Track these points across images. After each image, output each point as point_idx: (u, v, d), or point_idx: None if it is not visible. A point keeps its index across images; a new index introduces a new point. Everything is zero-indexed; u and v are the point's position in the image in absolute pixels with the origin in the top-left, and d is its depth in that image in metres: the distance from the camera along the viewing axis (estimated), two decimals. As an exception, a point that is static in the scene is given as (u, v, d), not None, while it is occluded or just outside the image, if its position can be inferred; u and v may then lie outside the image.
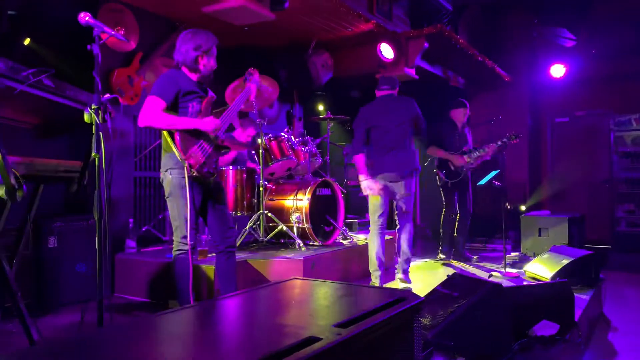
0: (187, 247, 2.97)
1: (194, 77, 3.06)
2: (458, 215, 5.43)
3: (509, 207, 6.32)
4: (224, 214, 3.16)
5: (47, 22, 4.24)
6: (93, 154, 1.83)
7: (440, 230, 5.52)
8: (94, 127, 1.87)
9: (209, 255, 4.05)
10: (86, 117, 1.84)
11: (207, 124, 2.92)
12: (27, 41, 3.86)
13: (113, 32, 2.18)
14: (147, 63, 4.89)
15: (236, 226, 4.80)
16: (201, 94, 3.05)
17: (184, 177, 2.89)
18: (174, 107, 2.93)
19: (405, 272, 4.16)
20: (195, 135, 2.93)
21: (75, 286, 3.78)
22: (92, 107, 1.85)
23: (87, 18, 2.13)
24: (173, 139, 2.89)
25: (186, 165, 2.86)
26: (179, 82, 2.96)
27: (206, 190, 3.07)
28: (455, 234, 5.46)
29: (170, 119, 2.87)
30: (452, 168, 5.31)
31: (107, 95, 2.18)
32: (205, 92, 3.11)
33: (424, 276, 4.80)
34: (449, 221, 5.45)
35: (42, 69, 1.77)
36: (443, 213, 5.48)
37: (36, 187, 2.53)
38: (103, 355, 1.27)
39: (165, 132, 2.93)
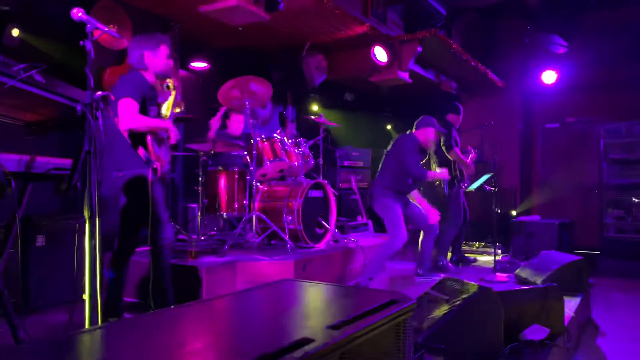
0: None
1: (150, 79, 3.10)
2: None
3: (499, 211, 6.35)
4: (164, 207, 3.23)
5: (40, 18, 4.21)
6: (85, 152, 1.80)
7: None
8: (85, 124, 1.85)
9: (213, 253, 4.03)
10: (77, 114, 1.82)
11: (175, 132, 3.07)
12: (16, 32, 3.81)
13: (106, 29, 2.16)
14: (140, 62, 4.85)
15: (227, 227, 4.79)
16: (155, 97, 3.10)
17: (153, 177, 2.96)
18: (142, 110, 2.96)
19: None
20: (159, 137, 3.03)
21: (63, 286, 3.73)
22: (84, 104, 1.83)
23: (80, 14, 2.11)
24: (145, 141, 2.92)
25: (153, 167, 2.91)
26: (143, 85, 3.01)
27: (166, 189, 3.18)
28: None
29: (148, 121, 2.94)
30: (455, 174, 5.31)
31: (99, 92, 2.15)
32: (157, 96, 3.17)
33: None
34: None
35: (33, 64, 1.75)
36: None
37: (25, 184, 2.49)
38: (90, 355, 1.26)
39: (134, 134, 2.93)
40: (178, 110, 3.65)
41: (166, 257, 3.07)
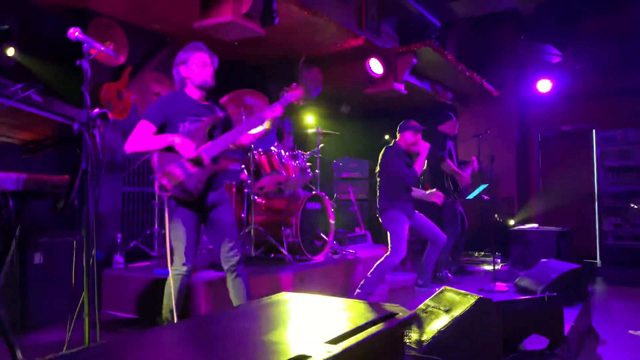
0: (181, 270, 2.90)
1: (195, 95, 2.99)
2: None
3: (497, 221, 6.36)
4: (223, 231, 2.99)
5: (37, 37, 4.24)
6: (82, 170, 1.81)
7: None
8: (82, 142, 1.86)
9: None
10: (74, 133, 1.83)
11: (184, 147, 2.78)
12: (11, 52, 3.83)
13: (103, 48, 2.18)
14: (137, 78, 4.89)
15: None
16: (198, 113, 2.94)
17: (190, 200, 2.83)
18: (165, 128, 2.89)
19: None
20: (176, 153, 2.81)
21: (61, 303, 3.71)
22: (81, 123, 1.84)
23: (76, 33, 2.13)
24: (153, 156, 2.84)
25: (158, 184, 2.79)
26: (172, 103, 2.91)
27: (201, 210, 2.95)
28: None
29: (153, 141, 2.82)
30: (447, 186, 5.31)
31: (96, 110, 2.16)
32: (208, 112, 3.00)
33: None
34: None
35: (31, 84, 1.76)
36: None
37: (22, 202, 2.50)
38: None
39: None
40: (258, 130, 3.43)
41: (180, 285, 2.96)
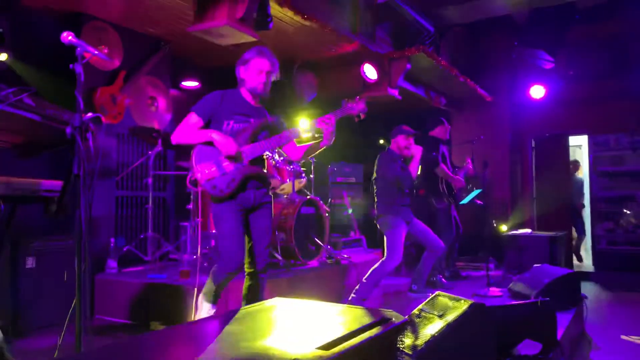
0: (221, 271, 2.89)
1: (248, 97, 3.01)
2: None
3: (491, 225, 6.38)
4: (258, 235, 3.00)
5: (30, 42, 4.22)
6: (73, 174, 1.80)
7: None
8: (75, 146, 1.85)
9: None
10: (67, 137, 1.83)
11: (224, 144, 2.80)
12: (4, 57, 3.81)
13: (96, 52, 2.17)
14: (131, 81, 4.88)
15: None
16: (247, 114, 2.96)
17: (220, 196, 2.85)
18: (210, 123, 2.93)
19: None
20: (214, 150, 2.84)
21: (54, 308, 3.68)
22: (74, 126, 1.84)
23: (70, 37, 2.12)
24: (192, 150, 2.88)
25: (191, 178, 2.83)
26: (222, 100, 2.94)
27: (245, 209, 2.95)
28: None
29: (197, 134, 2.87)
30: (441, 190, 5.32)
31: (90, 114, 2.16)
32: (257, 115, 3.01)
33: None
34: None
35: (23, 87, 1.76)
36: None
37: (14, 206, 2.48)
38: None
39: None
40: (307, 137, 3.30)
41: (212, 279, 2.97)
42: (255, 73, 2.94)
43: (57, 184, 2.53)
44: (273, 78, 3.01)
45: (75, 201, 1.98)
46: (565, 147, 7.87)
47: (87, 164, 1.99)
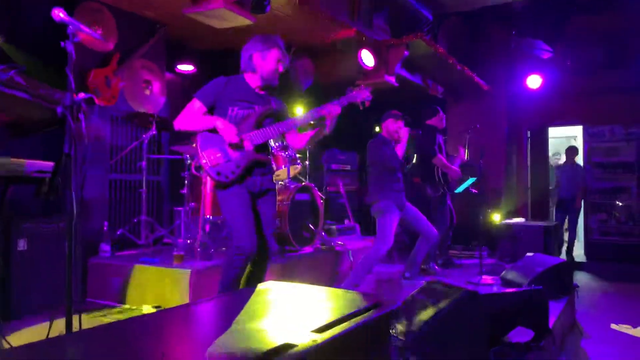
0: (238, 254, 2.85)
1: (254, 83, 3.00)
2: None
3: (485, 214, 6.39)
4: (263, 221, 3.00)
5: (22, 21, 4.15)
6: (65, 154, 1.78)
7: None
8: (66, 125, 1.82)
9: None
10: (58, 116, 1.79)
11: (226, 131, 2.80)
12: None
13: (88, 30, 2.13)
14: (126, 64, 4.81)
15: (213, 230, 4.73)
16: (251, 101, 2.95)
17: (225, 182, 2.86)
18: (214, 110, 2.91)
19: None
20: (220, 136, 2.84)
21: (46, 291, 3.66)
22: (65, 106, 1.80)
23: (61, 14, 2.07)
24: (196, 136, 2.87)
25: (195, 164, 2.82)
26: (226, 86, 2.92)
27: (252, 194, 2.96)
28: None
29: (200, 120, 2.86)
30: (437, 179, 5.31)
31: (82, 94, 2.12)
32: (261, 102, 2.99)
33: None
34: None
35: (12, 65, 1.72)
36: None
37: (5, 187, 2.45)
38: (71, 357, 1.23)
39: None
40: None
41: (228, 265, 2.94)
42: (273, 63, 2.96)
43: (49, 164, 2.50)
44: (282, 68, 3.02)
45: (66, 182, 1.96)
46: (544, 139, 7.92)
47: (78, 144, 1.96)
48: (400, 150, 4.42)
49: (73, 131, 1.77)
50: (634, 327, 3.91)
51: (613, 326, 3.95)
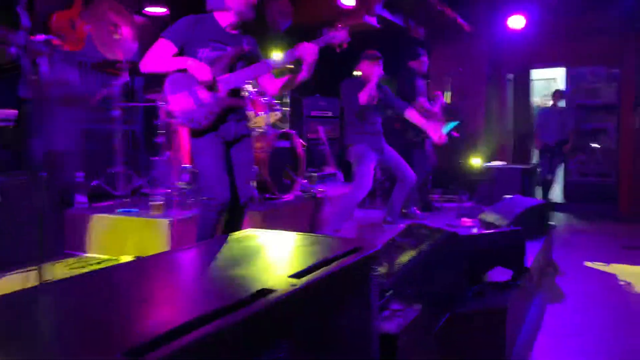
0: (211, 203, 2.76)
1: (225, 22, 2.81)
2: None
3: (465, 158, 6.42)
4: (239, 168, 2.90)
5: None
6: (21, 97, 1.66)
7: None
8: (22, 69, 1.70)
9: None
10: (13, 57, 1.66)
11: (199, 70, 2.63)
12: None
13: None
14: (92, 6, 4.54)
15: (192, 180, 4.66)
16: (223, 41, 2.78)
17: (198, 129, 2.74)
18: (183, 52, 2.73)
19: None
20: (189, 79, 2.68)
21: (22, 245, 3.59)
22: (18, 45, 1.67)
23: (11, -54, 1.90)
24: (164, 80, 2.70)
25: (165, 110, 2.68)
26: (195, 26, 2.74)
27: (226, 142, 2.85)
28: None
29: (169, 62, 2.68)
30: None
31: (41, 35, 1.97)
32: (233, 42, 2.81)
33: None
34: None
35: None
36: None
37: (-33, 137, 2.33)
38: (44, 307, 1.19)
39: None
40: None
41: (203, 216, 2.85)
42: None
43: (13, 112, 2.37)
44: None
45: (30, 131, 1.85)
46: (527, 81, 7.85)
47: (41, 90, 1.84)
48: (367, 89, 4.21)
49: (30, 74, 1.64)
50: (607, 264, 4.03)
51: (587, 264, 4.07)
